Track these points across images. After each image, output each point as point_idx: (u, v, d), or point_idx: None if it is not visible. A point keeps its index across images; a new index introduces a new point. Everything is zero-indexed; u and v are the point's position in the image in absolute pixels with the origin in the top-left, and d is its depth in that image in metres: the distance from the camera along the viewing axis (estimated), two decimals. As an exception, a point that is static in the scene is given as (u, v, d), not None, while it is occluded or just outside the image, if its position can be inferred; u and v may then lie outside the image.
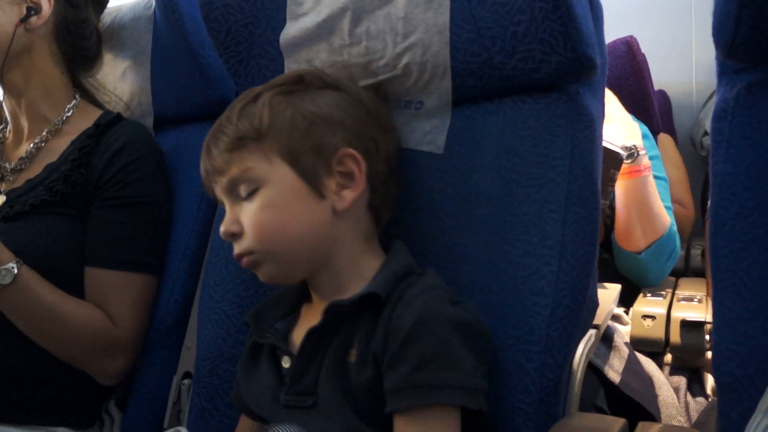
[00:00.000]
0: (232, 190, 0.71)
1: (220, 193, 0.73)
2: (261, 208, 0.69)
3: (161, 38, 1.11)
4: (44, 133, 1.01)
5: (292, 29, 0.88)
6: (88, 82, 1.10)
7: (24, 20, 0.98)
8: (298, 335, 0.74)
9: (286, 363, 0.73)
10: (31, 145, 1.01)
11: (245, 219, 0.70)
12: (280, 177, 0.69)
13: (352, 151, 0.71)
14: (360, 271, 0.72)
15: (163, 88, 1.12)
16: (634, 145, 1.25)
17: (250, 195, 0.70)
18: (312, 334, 0.71)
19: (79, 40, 1.05)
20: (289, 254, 0.71)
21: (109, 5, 1.17)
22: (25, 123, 1.03)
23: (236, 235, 0.71)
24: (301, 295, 0.78)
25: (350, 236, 0.73)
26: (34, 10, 0.99)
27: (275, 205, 0.69)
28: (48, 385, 0.93)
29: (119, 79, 1.14)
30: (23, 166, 1.00)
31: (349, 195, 0.71)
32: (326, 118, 0.71)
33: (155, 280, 0.99)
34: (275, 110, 0.71)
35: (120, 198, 0.96)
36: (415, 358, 0.62)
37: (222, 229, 0.72)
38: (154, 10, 1.12)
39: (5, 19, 0.97)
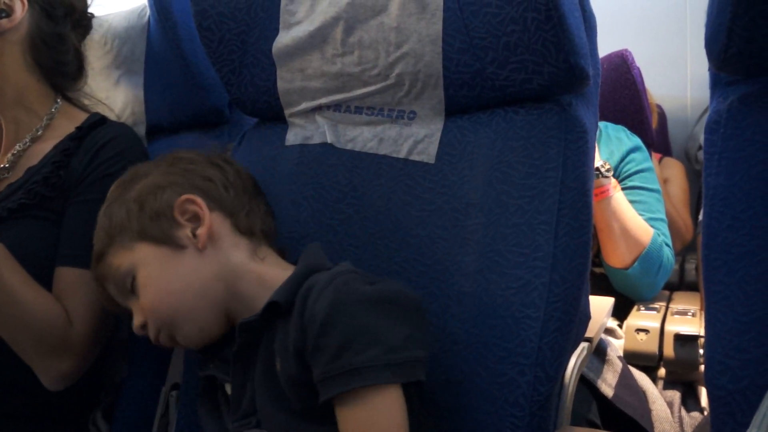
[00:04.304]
0: (122, 292, 0.76)
1: (123, 302, 0.78)
2: (142, 289, 0.74)
3: (155, 46, 1.11)
4: (26, 140, 1.00)
5: (285, 38, 0.88)
6: (76, 93, 1.08)
7: None
8: None
9: (229, 390, 0.74)
10: (11, 155, 0.99)
11: (140, 307, 0.75)
12: (142, 256, 0.75)
13: (185, 196, 0.76)
14: (270, 287, 0.73)
15: (156, 96, 1.12)
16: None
17: (134, 286, 0.75)
18: (236, 358, 0.73)
19: (56, 54, 1.02)
20: (185, 311, 0.74)
21: (103, 13, 1.17)
22: (3, 131, 1.01)
23: (144, 326, 0.75)
24: None
25: (237, 263, 0.76)
26: (5, 12, 0.96)
27: (150, 280, 0.74)
28: (32, 395, 0.91)
29: (112, 88, 1.14)
30: (5, 175, 0.98)
31: (202, 231, 0.75)
32: (152, 188, 0.77)
33: None
34: (110, 214, 0.78)
35: (93, 193, 0.92)
36: (334, 345, 0.62)
37: (133, 327, 0.76)
38: (148, 19, 1.12)
39: None
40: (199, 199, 0.76)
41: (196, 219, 0.76)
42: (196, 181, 0.78)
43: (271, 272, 0.75)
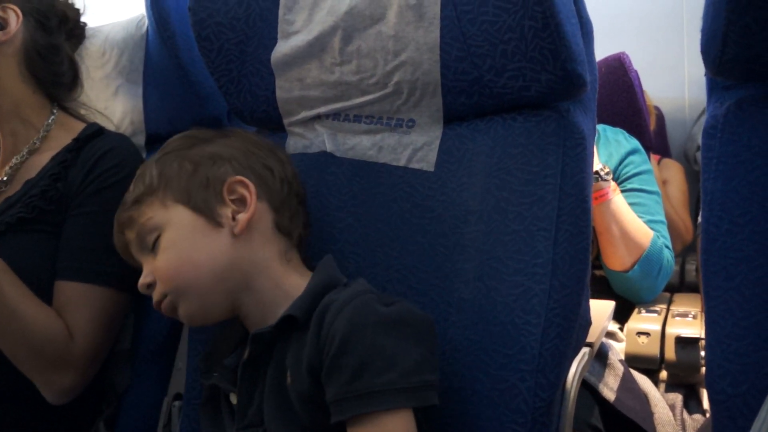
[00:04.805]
0: (141, 245, 0.75)
1: (136, 254, 0.76)
2: (164, 250, 0.73)
3: (153, 56, 1.11)
4: (24, 153, 1.00)
5: (283, 47, 0.88)
6: (72, 103, 1.07)
7: None
8: None
9: (234, 399, 0.74)
10: (8, 167, 0.99)
11: (154, 267, 0.73)
12: (176, 218, 0.73)
13: (239, 177, 0.75)
14: (286, 292, 0.73)
15: (155, 106, 1.12)
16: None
17: (155, 244, 0.73)
18: (245, 367, 0.72)
19: (51, 65, 1.02)
20: (198, 287, 0.72)
21: (101, 23, 1.17)
22: (1, 144, 1.00)
23: (151, 286, 0.74)
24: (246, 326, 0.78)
25: (265, 258, 0.75)
26: (0, 25, 0.97)
27: (176, 244, 0.73)
28: (34, 404, 0.91)
29: (111, 98, 1.14)
30: (3, 189, 0.98)
31: (243, 217, 0.74)
32: (213, 156, 0.76)
33: (120, 295, 0.93)
34: (163, 165, 0.76)
35: (91, 205, 0.92)
36: (351, 367, 0.63)
37: (139, 283, 0.75)
38: (147, 29, 1.13)
39: None
40: (251, 185, 0.75)
41: (241, 203, 0.75)
42: (255, 165, 0.77)
43: (291, 277, 0.75)
